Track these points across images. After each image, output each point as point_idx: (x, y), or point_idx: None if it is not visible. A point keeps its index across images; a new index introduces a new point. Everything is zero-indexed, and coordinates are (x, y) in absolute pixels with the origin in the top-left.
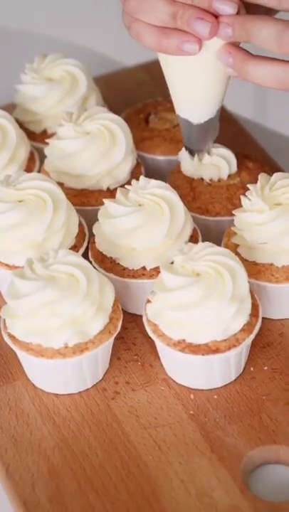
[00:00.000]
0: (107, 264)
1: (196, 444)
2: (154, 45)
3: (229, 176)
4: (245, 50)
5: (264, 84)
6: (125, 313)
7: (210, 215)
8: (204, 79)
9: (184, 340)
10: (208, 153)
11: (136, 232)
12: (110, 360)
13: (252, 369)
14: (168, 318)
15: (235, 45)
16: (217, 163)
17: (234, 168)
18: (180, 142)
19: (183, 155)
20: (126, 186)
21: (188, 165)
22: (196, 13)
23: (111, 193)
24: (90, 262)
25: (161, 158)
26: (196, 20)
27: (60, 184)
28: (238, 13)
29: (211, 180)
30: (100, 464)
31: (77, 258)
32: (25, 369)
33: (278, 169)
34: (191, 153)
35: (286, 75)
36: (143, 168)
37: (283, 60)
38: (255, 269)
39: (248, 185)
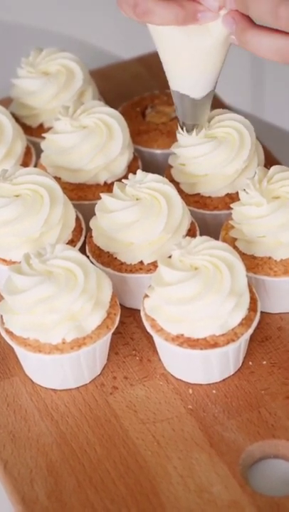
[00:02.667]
0: (105, 259)
1: (194, 439)
2: (168, 19)
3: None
4: (249, 18)
5: (262, 55)
6: (123, 307)
7: (207, 208)
8: (208, 51)
9: (182, 335)
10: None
11: (133, 227)
12: (108, 355)
13: (251, 363)
14: (166, 313)
15: (241, 13)
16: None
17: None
18: None
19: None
20: (123, 180)
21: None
22: None
23: (108, 188)
24: (87, 257)
25: (158, 151)
26: None
27: (57, 179)
28: None
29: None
30: (98, 459)
31: (74, 253)
32: (22, 365)
33: (276, 162)
34: (188, 128)
35: (287, 48)
36: (140, 162)
37: (285, 32)
38: (253, 263)
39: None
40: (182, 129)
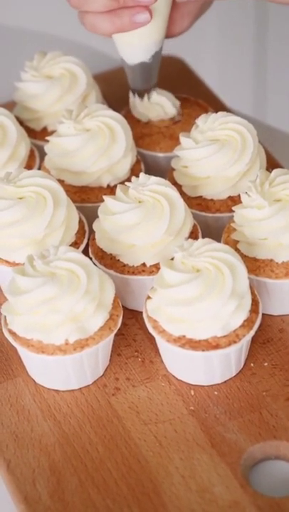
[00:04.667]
0: (107, 261)
1: (196, 439)
2: (109, 29)
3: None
4: None
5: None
6: (125, 309)
7: (210, 211)
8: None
9: (184, 336)
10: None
11: (136, 229)
12: (111, 356)
13: (252, 365)
14: (168, 315)
15: None
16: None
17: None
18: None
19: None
20: (126, 183)
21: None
22: None
23: (111, 190)
24: (90, 259)
25: (160, 155)
26: None
27: (61, 181)
28: None
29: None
30: (100, 459)
31: (77, 255)
32: (26, 365)
33: (277, 165)
34: (140, 94)
35: None
36: (143, 165)
37: None
38: (255, 265)
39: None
40: (134, 95)
